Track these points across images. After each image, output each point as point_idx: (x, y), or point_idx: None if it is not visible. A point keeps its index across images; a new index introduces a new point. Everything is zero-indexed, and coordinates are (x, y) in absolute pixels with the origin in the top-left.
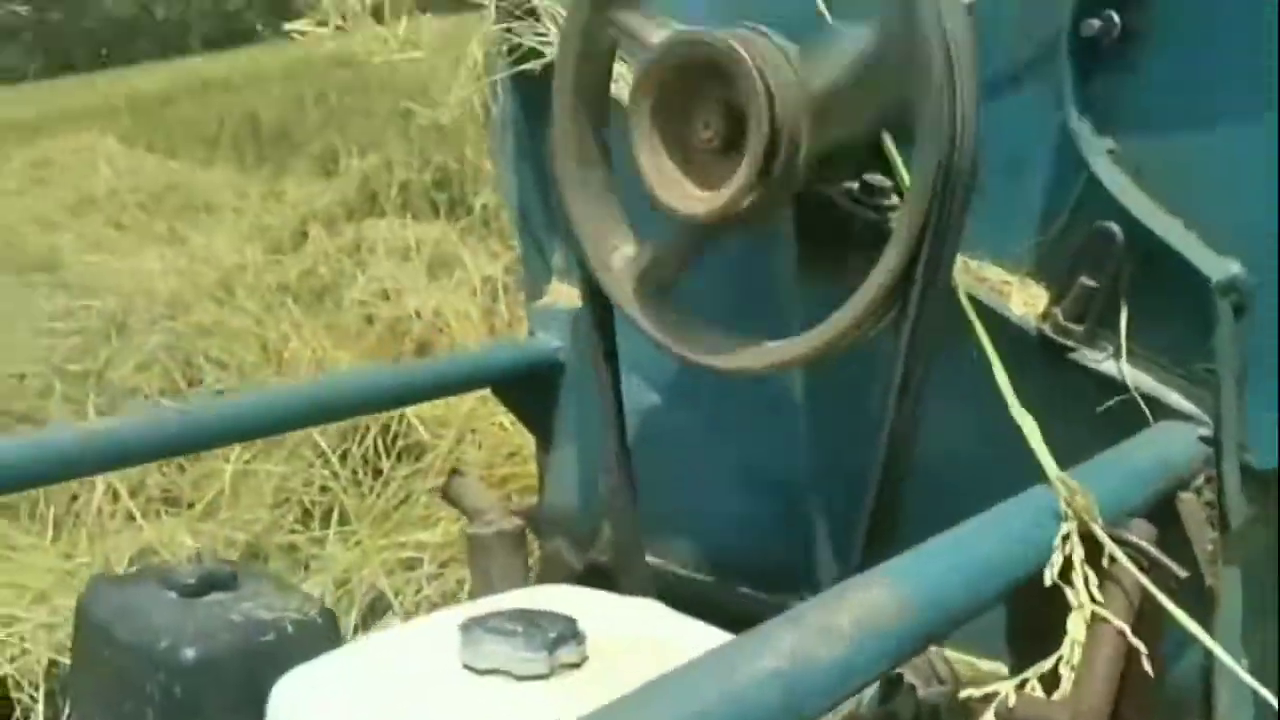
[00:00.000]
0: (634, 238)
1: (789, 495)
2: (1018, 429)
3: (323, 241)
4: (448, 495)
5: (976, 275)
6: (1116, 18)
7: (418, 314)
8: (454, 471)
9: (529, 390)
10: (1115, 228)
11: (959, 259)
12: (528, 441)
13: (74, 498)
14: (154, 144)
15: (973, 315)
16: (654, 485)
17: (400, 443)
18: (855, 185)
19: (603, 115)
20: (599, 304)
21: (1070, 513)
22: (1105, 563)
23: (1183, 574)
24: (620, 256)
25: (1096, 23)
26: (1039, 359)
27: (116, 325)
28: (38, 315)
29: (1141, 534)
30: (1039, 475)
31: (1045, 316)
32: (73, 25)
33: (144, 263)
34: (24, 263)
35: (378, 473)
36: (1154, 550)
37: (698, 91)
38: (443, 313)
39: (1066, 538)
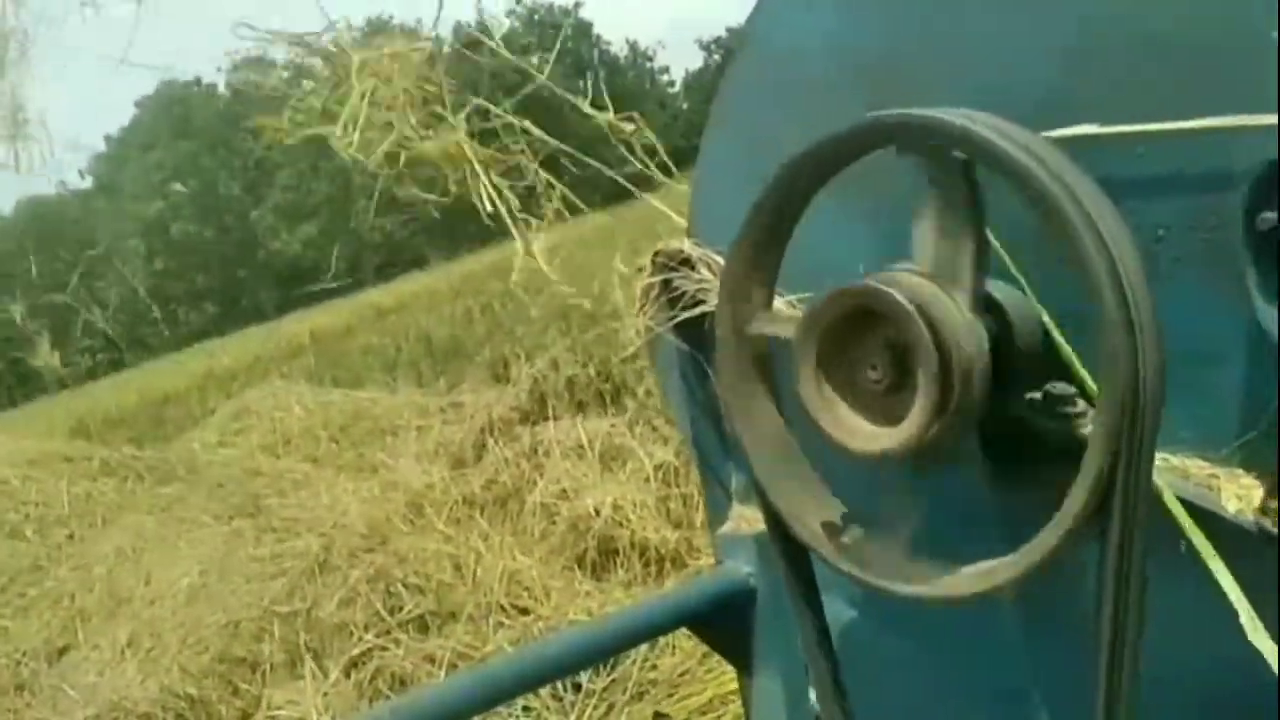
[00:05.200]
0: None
1: (1013, 711)
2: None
3: (501, 449)
4: None
5: (1180, 471)
6: None
7: (597, 510)
8: (658, 715)
9: (725, 621)
10: None
11: (1158, 457)
12: None
13: None
14: (338, 377)
15: (1182, 515)
16: (867, 708)
17: None
18: (1038, 395)
19: (766, 363)
20: (785, 533)
21: None
22: None
23: None
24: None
25: (1274, 216)
26: (1255, 553)
27: (319, 563)
28: (246, 561)
29: None
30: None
31: (1263, 510)
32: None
33: (339, 495)
34: (231, 510)
35: (577, 687)
36: None
37: (860, 335)
38: (621, 506)
39: None
